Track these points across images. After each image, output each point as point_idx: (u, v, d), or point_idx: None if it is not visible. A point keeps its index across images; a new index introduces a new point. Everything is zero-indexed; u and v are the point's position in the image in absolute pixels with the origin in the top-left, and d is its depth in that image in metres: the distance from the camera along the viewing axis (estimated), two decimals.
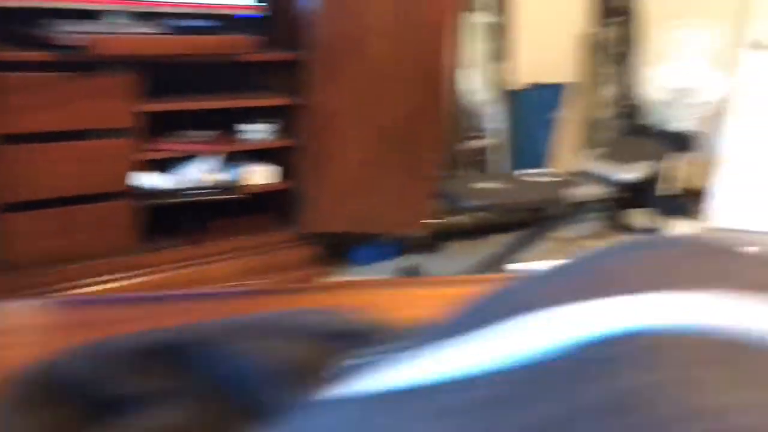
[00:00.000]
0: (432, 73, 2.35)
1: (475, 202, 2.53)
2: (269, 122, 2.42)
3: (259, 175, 2.47)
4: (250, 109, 2.38)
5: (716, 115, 3.65)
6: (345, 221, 2.54)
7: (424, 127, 2.42)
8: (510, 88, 3.58)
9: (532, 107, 3.62)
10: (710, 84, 3.32)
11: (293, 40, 2.33)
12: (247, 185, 2.46)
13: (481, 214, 3.27)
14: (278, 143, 2.43)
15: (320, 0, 2.11)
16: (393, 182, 2.50)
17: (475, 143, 3.48)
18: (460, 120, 3.42)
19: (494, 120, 3.55)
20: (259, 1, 2.29)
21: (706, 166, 3.92)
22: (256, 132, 2.40)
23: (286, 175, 2.51)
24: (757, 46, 3.34)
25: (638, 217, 3.54)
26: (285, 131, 2.48)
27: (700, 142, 3.92)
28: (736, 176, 3.58)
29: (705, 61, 3.31)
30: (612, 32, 3.89)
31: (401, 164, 2.47)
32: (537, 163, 3.67)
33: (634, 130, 3.44)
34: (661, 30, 3.50)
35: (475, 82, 3.47)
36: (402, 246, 3.02)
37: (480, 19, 3.44)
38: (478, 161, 3.49)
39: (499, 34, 3.49)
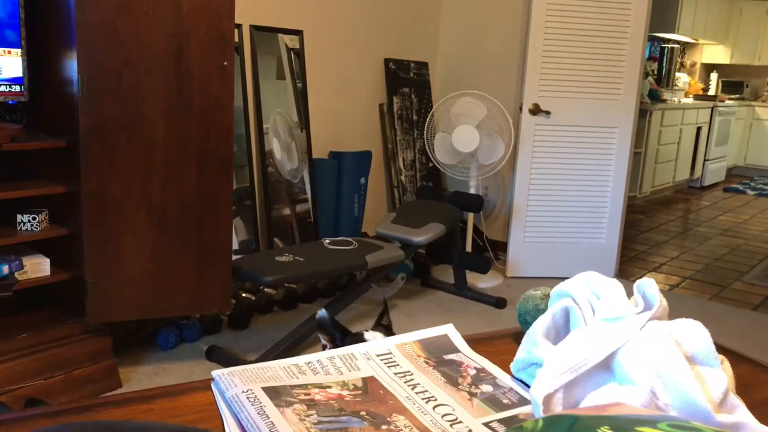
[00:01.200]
0: (214, 151, 2.35)
1: (277, 277, 2.53)
2: (42, 212, 2.27)
3: (36, 267, 2.30)
4: (20, 199, 2.22)
5: (503, 174, 4.00)
6: (138, 308, 2.42)
7: (213, 206, 2.40)
8: (316, 156, 3.68)
9: (339, 174, 3.73)
10: (491, 147, 3.63)
11: (61, 125, 2.24)
12: (22, 279, 2.28)
13: (290, 285, 3.28)
14: (54, 233, 2.28)
15: (85, 84, 2.04)
16: (186, 264, 2.43)
17: (285, 212, 3.51)
18: (270, 190, 3.44)
19: (302, 188, 3.61)
20: (19, 86, 2.18)
21: (502, 223, 4.25)
22: (28, 223, 2.24)
23: (67, 265, 2.35)
24: (531, 111, 3.72)
25: (444, 275, 3.73)
26: (61, 220, 2.34)
27: (494, 201, 4.25)
28: (528, 228, 3.91)
29: (486, 127, 3.62)
30: (403, 101, 4.16)
31: (193, 246, 2.42)
32: (347, 228, 3.77)
33: (431, 193, 3.65)
34: (445, 100, 3.79)
35: (283, 153, 3.52)
36: (208, 325, 2.93)
37: (288, 86, 3.53)
38: (288, 230, 3.52)
39: (304, 102, 3.60)
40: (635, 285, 0.81)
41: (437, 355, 0.86)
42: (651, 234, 5.39)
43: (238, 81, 3.27)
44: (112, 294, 2.35)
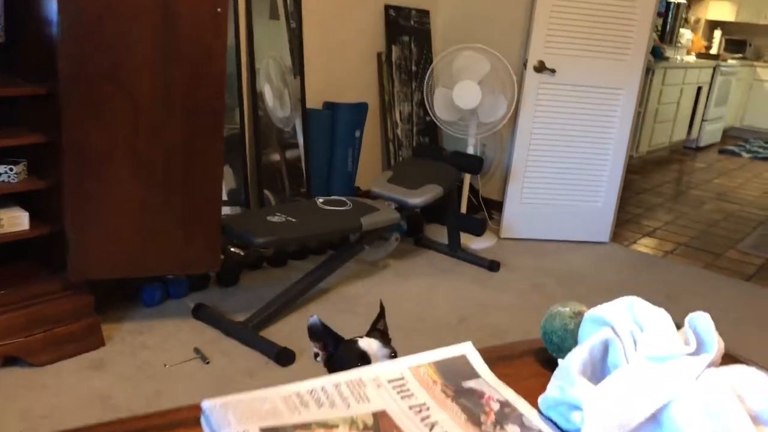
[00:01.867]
0: (205, 102, 2.21)
1: (269, 239, 2.43)
2: (20, 162, 2.14)
3: (13, 220, 2.18)
4: None
5: (502, 133, 3.87)
6: (122, 266, 2.32)
7: (202, 161, 2.27)
8: (310, 106, 3.53)
9: (332, 126, 3.59)
10: (493, 104, 3.49)
11: (40, 71, 2.07)
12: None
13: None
14: (33, 185, 2.15)
15: (65, 27, 1.88)
16: (173, 221, 2.32)
17: (275, 158, 3.38)
18: (261, 135, 3.30)
19: (295, 138, 3.47)
20: None
21: (498, 182, 4.15)
22: (5, 174, 2.11)
23: (47, 219, 2.23)
24: (535, 68, 3.57)
25: (438, 234, 3.65)
26: (40, 172, 2.21)
27: (491, 159, 4.14)
28: (525, 189, 3.82)
29: (488, 84, 3.47)
30: (402, 51, 3.98)
31: (181, 202, 2.30)
32: (340, 183, 3.66)
33: (429, 151, 3.53)
34: (447, 53, 3.63)
35: (275, 99, 3.37)
36: (195, 281, 2.84)
37: (281, 27, 3.35)
38: (278, 179, 3.40)
39: (298, 45, 3.42)
40: (687, 319, 0.72)
41: (455, 381, 0.77)
42: (646, 196, 5.33)
43: (230, 18, 3.08)
44: (94, 250, 2.24)
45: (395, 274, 3.28)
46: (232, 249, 3.12)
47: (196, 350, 2.41)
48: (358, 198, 3.04)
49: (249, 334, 2.50)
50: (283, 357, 2.36)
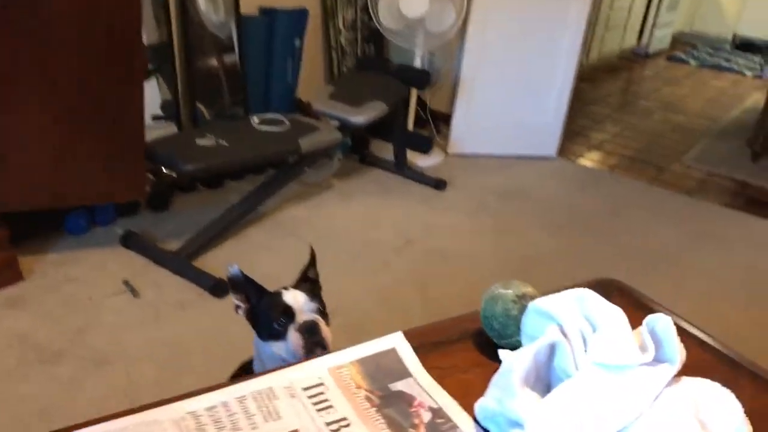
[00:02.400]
0: (118, 14, 1.95)
1: (198, 165, 2.25)
2: None
3: None
4: None
5: (451, 42, 3.67)
6: (37, 197, 2.13)
7: (122, 82, 2.05)
8: (244, 11, 3.25)
9: (270, 34, 3.33)
10: (441, 13, 3.28)
11: None
12: None
13: None
14: None
15: None
16: (91, 148, 2.11)
17: (214, 72, 3.13)
18: (193, 47, 3.04)
19: (230, 47, 3.21)
20: None
21: (447, 94, 3.99)
22: None
23: None
24: None
25: (384, 150, 3.52)
26: None
27: (439, 69, 3.95)
28: (474, 103, 3.68)
29: None
30: None
31: (98, 127, 2.08)
32: (279, 96, 3.44)
33: (374, 64, 3.33)
34: None
35: (207, 2, 3.08)
36: (123, 206, 2.66)
37: None
38: (217, 94, 3.16)
39: None
40: (645, 321, 0.63)
41: (382, 384, 0.67)
42: (594, 107, 5.26)
43: None
44: (4, 182, 2.04)
45: (339, 194, 3.16)
46: (164, 170, 2.92)
47: (125, 282, 2.28)
48: (297, 116, 2.86)
49: (182, 264, 2.37)
50: (219, 289, 2.25)
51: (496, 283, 0.78)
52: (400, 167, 3.36)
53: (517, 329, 0.72)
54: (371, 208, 3.05)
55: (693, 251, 2.93)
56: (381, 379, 0.67)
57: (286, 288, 1.18)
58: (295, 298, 1.14)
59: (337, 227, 2.83)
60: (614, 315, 0.62)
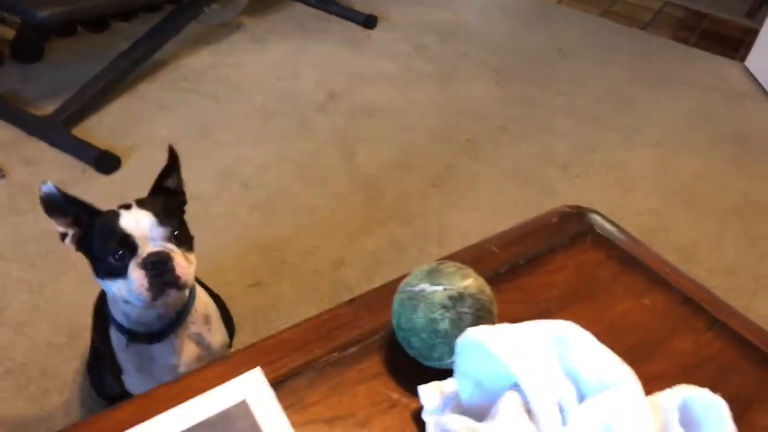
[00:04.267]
0: None
1: (57, 10, 1.78)
2: None
3: None
4: None
5: None
6: None
7: None
8: None
9: None
10: None
11: None
12: None
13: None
14: None
15: None
16: None
17: None
18: None
19: None
20: None
21: None
22: None
23: None
24: None
25: None
26: None
27: None
28: None
29: None
30: None
31: None
32: None
33: None
34: None
35: None
36: None
37: None
38: None
39: None
40: (675, 393, 0.36)
41: None
42: None
43: None
44: None
45: (251, 37, 2.71)
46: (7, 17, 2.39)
47: None
48: None
49: (59, 133, 1.98)
50: (106, 162, 1.90)
51: (417, 268, 0.48)
52: (324, 1, 2.90)
53: (450, 350, 0.45)
54: (289, 54, 2.63)
55: (645, 96, 2.68)
56: None
57: (128, 206, 0.86)
58: (138, 222, 0.83)
59: (246, 79, 2.43)
60: (620, 376, 0.34)
